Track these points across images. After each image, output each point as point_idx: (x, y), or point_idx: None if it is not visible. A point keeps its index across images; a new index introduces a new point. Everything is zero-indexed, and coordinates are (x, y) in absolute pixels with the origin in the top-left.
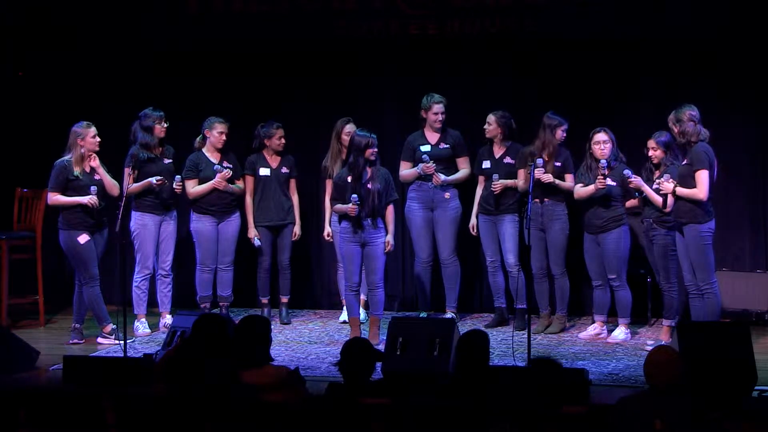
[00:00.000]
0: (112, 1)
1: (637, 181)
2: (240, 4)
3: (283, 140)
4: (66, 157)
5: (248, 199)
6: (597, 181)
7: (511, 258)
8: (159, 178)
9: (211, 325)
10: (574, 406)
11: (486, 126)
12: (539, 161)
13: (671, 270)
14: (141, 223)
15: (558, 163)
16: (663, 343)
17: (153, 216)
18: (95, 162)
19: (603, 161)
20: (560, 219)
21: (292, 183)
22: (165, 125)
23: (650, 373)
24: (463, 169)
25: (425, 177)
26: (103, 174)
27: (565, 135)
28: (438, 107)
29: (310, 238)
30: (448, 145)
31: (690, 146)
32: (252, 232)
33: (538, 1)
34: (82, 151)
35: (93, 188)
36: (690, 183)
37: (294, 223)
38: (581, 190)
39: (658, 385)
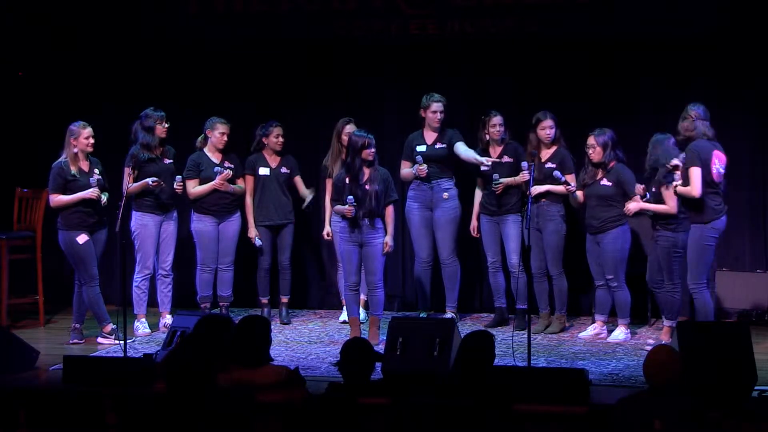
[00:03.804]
0: (112, 1)
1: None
2: (240, 4)
3: (281, 139)
4: (62, 159)
5: (248, 200)
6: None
7: (515, 258)
8: (155, 179)
9: (213, 326)
10: (574, 406)
11: (498, 128)
12: (523, 164)
13: (674, 271)
14: (141, 223)
15: (552, 164)
16: (663, 342)
17: (153, 216)
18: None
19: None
20: (554, 220)
21: (298, 180)
22: (166, 125)
23: (649, 372)
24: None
25: (422, 177)
26: None
27: (551, 133)
28: (437, 106)
29: (310, 238)
30: (444, 145)
31: (688, 143)
32: (252, 232)
33: (538, 1)
34: (75, 150)
35: (93, 180)
36: (687, 181)
37: (293, 223)
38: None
39: (657, 385)
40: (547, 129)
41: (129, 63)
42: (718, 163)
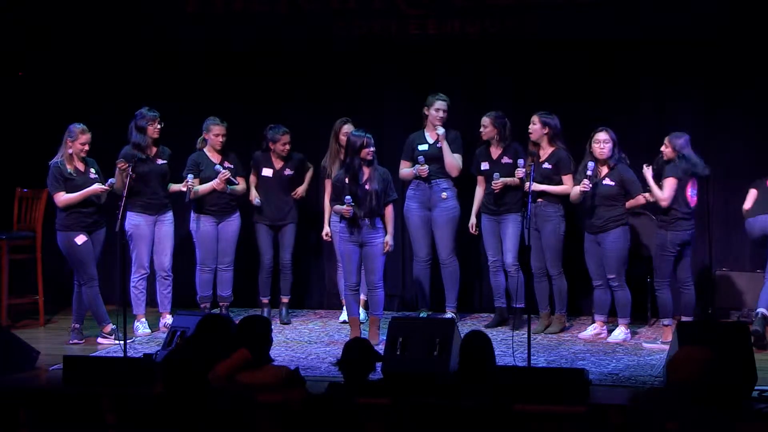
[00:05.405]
0: (112, 1)
1: None
2: (240, 4)
3: (287, 146)
4: (58, 158)
5: (252, 189)
6: (582, 183)
7: (509, 257)
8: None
9: (213, 326)
10: (574, 406)
11: (481, 129)
12: (520, 162)
13: (659, 269)
14: (134, 223)
15: (549, 165)
16: (660, 342)
17: (146, 216)
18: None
19: (590, 163)
20: (552, 220)
21: (308, 175)
22: (158, 126)
23: (669, 368)
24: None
25: (423, 177)
26: None
27: (545, 131)
28: (440, 104)
29: (310, 238)
30: None
31: None
32: (253, 194)
33: (538, 1)
34: (70, 151)
35: (111, 181)
36: None
37: (294, 223)
38: (572, 194)
39: (675, 382)
40: (529, 126)
41: (129, 63)
42: None
